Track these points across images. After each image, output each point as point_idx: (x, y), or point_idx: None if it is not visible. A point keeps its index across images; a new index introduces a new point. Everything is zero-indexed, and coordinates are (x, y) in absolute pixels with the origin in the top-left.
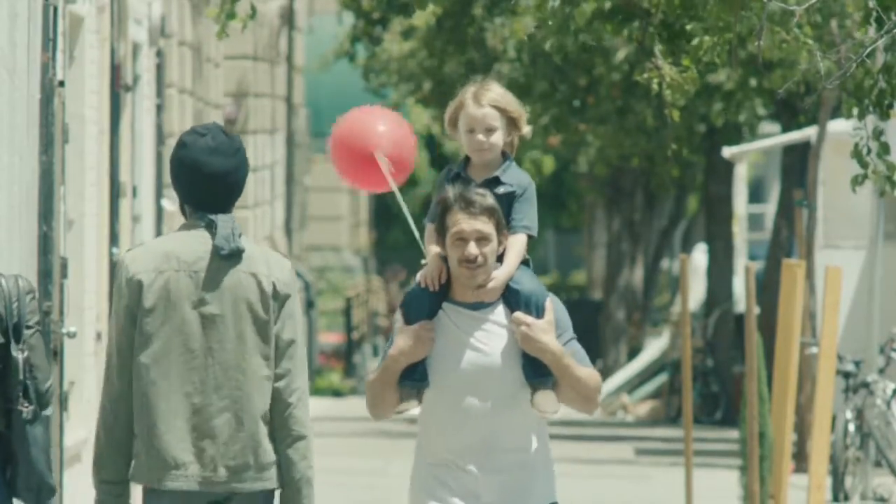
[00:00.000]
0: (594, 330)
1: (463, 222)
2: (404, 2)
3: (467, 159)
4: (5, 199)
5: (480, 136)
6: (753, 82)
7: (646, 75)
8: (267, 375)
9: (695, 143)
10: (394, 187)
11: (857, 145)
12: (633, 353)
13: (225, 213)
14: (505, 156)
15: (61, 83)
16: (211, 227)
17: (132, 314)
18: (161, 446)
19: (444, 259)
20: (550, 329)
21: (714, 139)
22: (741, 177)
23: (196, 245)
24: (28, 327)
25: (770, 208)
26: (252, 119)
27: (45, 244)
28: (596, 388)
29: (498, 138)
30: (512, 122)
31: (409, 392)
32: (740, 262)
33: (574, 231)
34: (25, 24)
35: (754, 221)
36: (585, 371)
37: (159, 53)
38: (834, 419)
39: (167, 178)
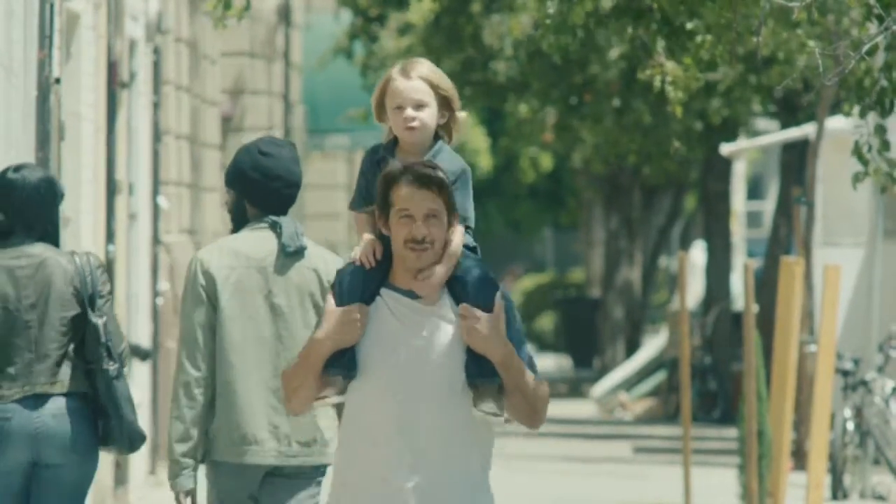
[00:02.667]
0: (592, 328)
1: (410, 197)
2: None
3: (395, 141)
4: None
5: (410, 111)
6: (753, 79)
7: (648, 72)
8: None
9: (693, 141)
10: None
11: (857, 143)
12: (631, 350)
13: (286, 215)
14: (437, 138)
15: (57, 80)
16: (275, 228)
17: (209, 307)
18: (241, 424)
19: (383, 239)
20: (500, 325)
21: (712, 136)
22: (740, 174)
23: (263, 244)
24: (101, 297)
25: (769, 206)
26: (248, 116)
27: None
28: (544, 399)
29: (429, 116)
30: (445, 103)
31: (332, 380)
32: (739, 259)
33: (572, 229)
34: (22, 20)
35: (753, 219)
36: (532, 377)
37: (156, 50)
38: (833, 417)
39: (163, 175)
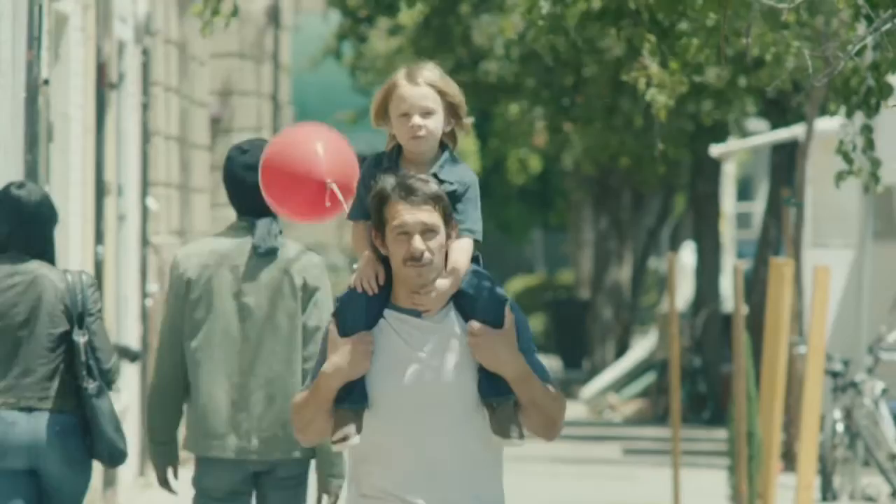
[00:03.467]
0: (581, 329)
1: (405, 214)
2: (390, 1)
3: (399, 150)
4: None
5: (417, 119)
6: (742, 81)
7: (633, 74)
8: (296, 359)
9: (682, 142)
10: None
11: (841, 142)
12: (621, 352)
13: (266, 216)
14: (444, 148)
15: (46, 81)
16: (252, 229)
17: (181, 306)
18: (205, 419)
19: (382, 259)
20: (510, 339)
21: (702, 137)
22: (729, 175)
23: (238, 244)
24: (90, 315)
25: (758, 207)
26: (238, 117)
27: None
28: (561, 409)
29: (436, 124)
30: (452, 110)
31: (345, 416)
32: (728, 261)
33: (561, 230)
34: (10, 21)
35: (742, 220)
36: (549, 390)
37: (145, 51)
38: (822, 419)
39: (152, 176)
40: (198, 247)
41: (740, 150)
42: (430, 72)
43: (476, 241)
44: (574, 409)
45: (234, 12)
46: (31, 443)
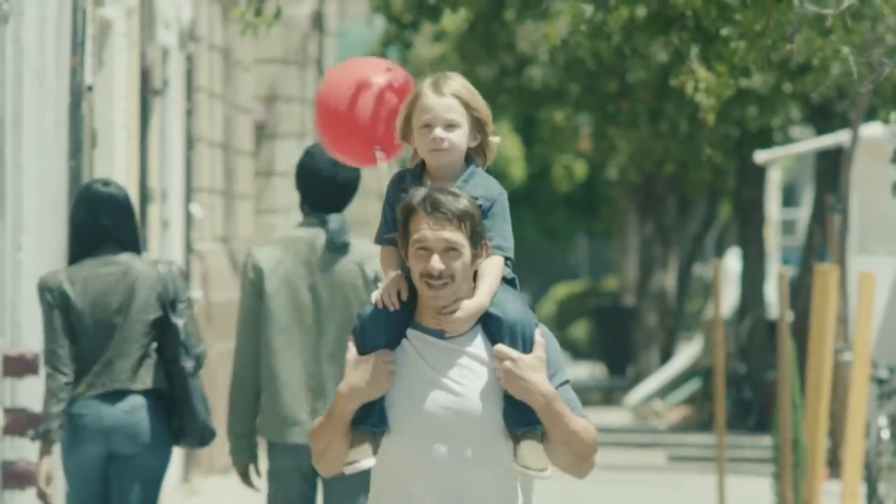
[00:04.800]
0: (626, 336)
1: (426, 229)
2: (434, 5)
3: (423, 166)
4: (34, 204)
5: (439, 132)
6: (788, 87)
7: (681, 78)
8: None
9: (727, 148)
10: (384, 174)
11: None
12: (665, 358)
13: (338, 212)
14: (469, 161)
15: (90, 87)
16: (324, 224)
17: (257, 299)
18: (284, 407)
19: (408, 277)
20: (541, 366)
21: (747, 144)
22: (774, 182)
23: (311, 239)
24: (181, 302)
25: (803, 213)
26: (282, 123)
27: None
28: (592, 444)
29: (460, 138)
30: (478, 125)
31: (361, 438)
32: (773, 267)
33: (606, 236)
34: (54, 28)
35: (787, 226)
36: (580, 422)
37: (189, 57)
38: (867, 426)
39: (196, 183)
40: (273, 241)
41: (785, 156)
42: (456, 82)
43: (507, 259)
44: (619, 416)
45: (278, 14)
46: (114, 425)
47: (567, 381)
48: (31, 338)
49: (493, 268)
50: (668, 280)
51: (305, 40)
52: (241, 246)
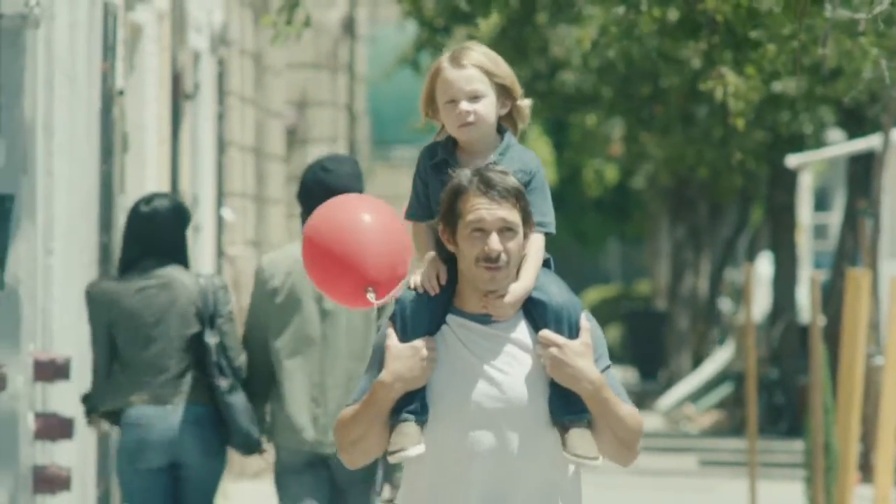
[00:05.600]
0: (657, 340)
1: (482, 208)
2: (467, 11)
3: (454, 142)
4: (65, 209)
5: (464, 105)
6: (819, 91)
7: (710, 82)
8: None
9: (760, 153)
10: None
11: None
12: (697, 363)
13: None
14: (503, 134)
15: (121, 92)
16: None
17: (266, 308)
18: (287, 414)
19: (443, 255)
20: (587, 352)
21: (779, 148)
22: (806, 186)
23: None
24: (220, 316)
25: (835, 217)
26: (313, 128)
27: (105, 254)
28: (638, 430)
29: (487, 108)
30: (504, 91)
31: (404, 428)
32: (805, 271)
33: (637, 240)
34: (85, 32)
35: (819, 231)
36: (627, 409)
37: (220, 62)
38: None
39: (228, 187)
40: (282, 253)
41: (817, 160)
42: (475, 51)
43: (548, 235)
44: (650, 421)
45: (307, 22)
46: (168, 438)
47: (609, 366)
48: (62, 343)
49: (536, 247)
50: (699, 284)
51: (337, 45)
52: (272, 250)
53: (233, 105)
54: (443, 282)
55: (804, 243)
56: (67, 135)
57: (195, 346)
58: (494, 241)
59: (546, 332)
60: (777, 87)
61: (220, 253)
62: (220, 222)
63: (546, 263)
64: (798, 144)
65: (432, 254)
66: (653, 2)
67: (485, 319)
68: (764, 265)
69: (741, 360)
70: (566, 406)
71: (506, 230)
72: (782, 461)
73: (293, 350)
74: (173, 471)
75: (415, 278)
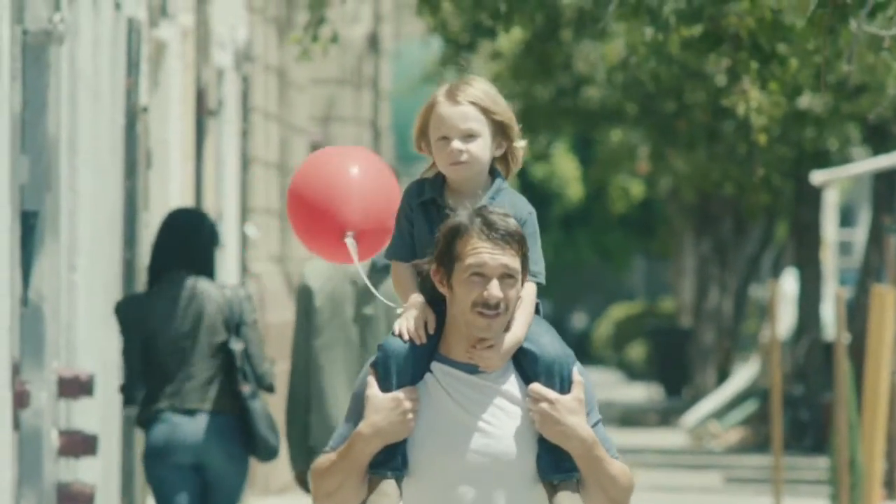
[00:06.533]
0: (682, 357)
1: (485, 252)
2: (491, 27)
3: (443, 179)
4: (89, 225)
5: (457, 144)
6: (845, 107)
7: (732, 98)
8: None
9: (783, 169)
10: (359, 268)
11: None
12: (721, 379)
13: None
14: (494, 175)
15: (145, 108)
16: None
17: (307, 314)
18: (326, 417)
19: (431, 300)
20: (580, 408)
21: (803, 165)
22: (831, 202)
23: None
24: (245, 324)
25: (860, 234)
26: (337, 143)
27: (129, 270)
28: (629, 489)
29: (481, 148)
30: (501, 130)
31: (382, 481)
32: (830, 288)
33: (662, 257)
34: (109, 49)
35: (844, 247)
36: (618, 466)
37: (244, 78)
38: None
39: (252, 203)
40: (322, 261)
41: (842, 177)
42: (474, 87)
43: (539, 286)
44: (675, 438)
45: (334, 38)
46: (194, 441)
47: (600, 421)
48: (86, 359)
49: (528, 297)
50: (724, 301)
51: (361, 61)
52: (296, 267)
53: (257, 121)
54: (431, 330)
55: (829, 260)
56: (91, 151)
57: (222, 354)
58: (495, 288)
59: (536, 386)
60: (803, 103)
61: (244, 269)
62: (243, 239)
63: (536, 309)
64: (823, 161)
65: (420, 299)
66: (680, 20)
67: (472, 369)
68: (789, 282)
69: (766, 376)
70: (555, 464)
71: (507, 277)
72: (807, 478)
73: (332, 353)
74: (198, 472)
75: (400, 324)
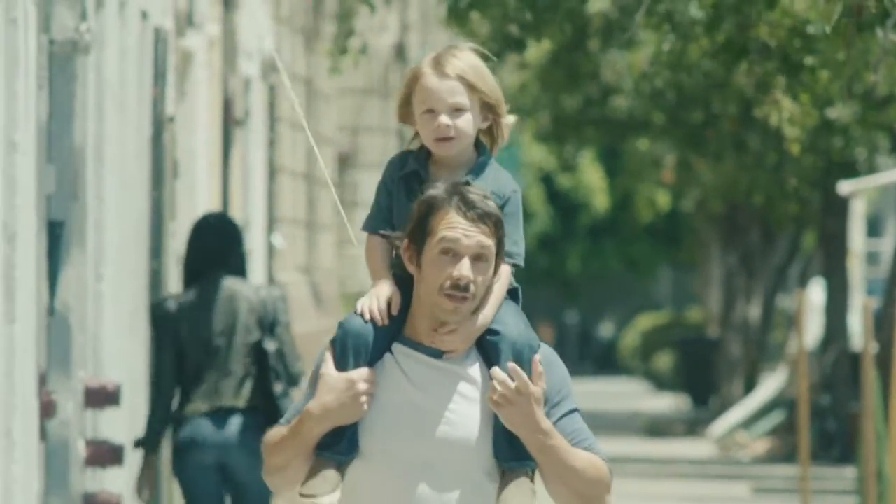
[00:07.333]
0: (710, 367)
1: (459, 229)
2: (518, 38)
3: (427, 153)
4: (115, 235)
5: (444, 119)
6: (872, 117)
7: (765, 108)
8: None
9: (812, 179)
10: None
11: None
12: (748, 389)
13: None
14: (480, 150)
15: (171, 118)
16: None
17: None
18: None
19: (399, 279)
20: (535, 397)
21: (831, 175)
22: (858, 212)
23: None
24: (279, 324)
25: (887, 244)
26: (364, 153)
27: (155, 280)
28: (599, 481)
29: (467, 123)
30: (487, 107)
31: (323, 466)
32: (857, 298)
33: (689, 267)
34: (136, 58)
35: (871, 258)
36: (583, 457)
37: (271, 88)
38: None
39: (278, 212)
40: None
41: (869, 187)
42: (461, 59)
43: (516, 267)
44: (702, 448)
45: (364, 50)
46: (222, 440)
47: (576, 410)
48: (112, 369)
49: (502, 279)
50: (752, 311)
51: (387, 71)
52: (322, 277)
53: (283, 131)
54: (395, 311)
55: (856, 270)
56: (118, 161)
57: (255, 353)
58: (466, 267)
59: (497, 371)
60: (832, 113)
61: (271, 279)
62: (270, 248)
63: (514, 295)
64: (850, 171)
65: (385, 280)
66: (704, 29)
67: (436, 352)
68: (816, 292)
69: (793, 386)
70: (511, 451)
71: (480, 259)
72: (834, 488)
73: None
74: (226, 472)
75: (362, 302)
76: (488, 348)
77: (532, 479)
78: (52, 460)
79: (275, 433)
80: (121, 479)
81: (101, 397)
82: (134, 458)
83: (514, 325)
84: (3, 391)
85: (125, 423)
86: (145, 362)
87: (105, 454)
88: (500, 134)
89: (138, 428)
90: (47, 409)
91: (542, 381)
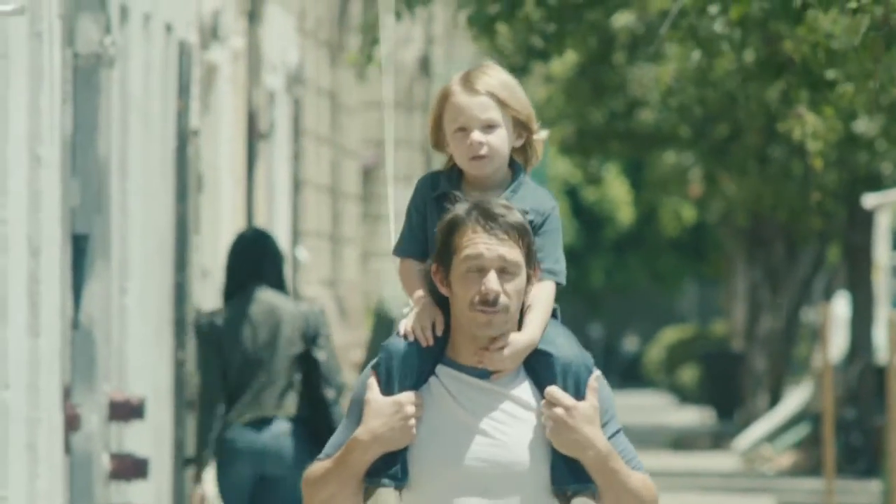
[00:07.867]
0: (734, 381)
1: (481, 244)
2: (543, 50)
3: (459, 173)
4: (140, 249)
5: (476, 136)
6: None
7: (788, 122)
8: None
9: (837, 193)
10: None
11: None
12: (773, 403)
13: None
14: (515, 169)
15: (196, 131)
16: None
17: (386, 332)
18: None
19: (439, 303)
20: (596, 417)
21: (856, 188)
22: (883, 226)
23: None
24: (321, 336)
25: None
26: (388, 166)
27: (179, 294)
28: (654, 502)
29: (501, 140)
30: (520, 125)
31: (375, 491)
32: (882, 311)
33: (714, 281)
34: (160, 71)
35: None
36: (638, 478)
37: (296, 101)
38: None
39: (302, 226)
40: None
41: (894, 200)
42: (491, 76)
43: (558, 286)
44: (727, 461)
45: (377, 57)
46: (264, 449)
47: (620, 430)
48: (137, 383)
49: (545, 296)
50: (776, 324)
51: (412, 84)
52: (346, 290)
53: (308, 144)
54: (439, 332)
55: (881, 283)
56: (142, 174)
57: (299, 364)
58: (492, 281)
59: (552, 391)
60: (858, 127)
61: (295, 293)
62: (294, 262)
63: (553, 313)
64: (875, 184)
65: (426, 297)
66: (731, 45)
67: (482, 373)
68: (841, 305)
69: (818, 400)
70: (570, 474)
71: (506, 270)
72: (859, 502)
73: None
74: (264, 483)
75: (405, 324)
76: (539, 368)
77: (595, 501)
78: (76, 474)
79: (317, 468)
80: (145, 493)
81: (126, 411)
82: (159, 472)
83: (567, 346)
84: (28, 405)
85: (149, 436)
86: (170, 376)
87: (129, 468)
88: (534, 152)
89: (163, 441)
90: (72, 423)
91: (597, 399)
